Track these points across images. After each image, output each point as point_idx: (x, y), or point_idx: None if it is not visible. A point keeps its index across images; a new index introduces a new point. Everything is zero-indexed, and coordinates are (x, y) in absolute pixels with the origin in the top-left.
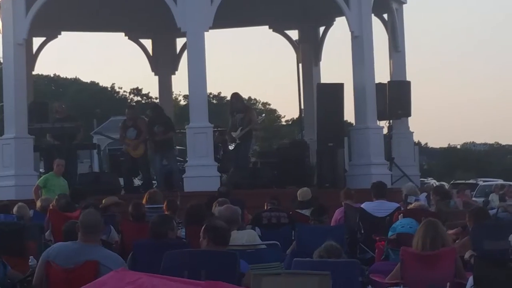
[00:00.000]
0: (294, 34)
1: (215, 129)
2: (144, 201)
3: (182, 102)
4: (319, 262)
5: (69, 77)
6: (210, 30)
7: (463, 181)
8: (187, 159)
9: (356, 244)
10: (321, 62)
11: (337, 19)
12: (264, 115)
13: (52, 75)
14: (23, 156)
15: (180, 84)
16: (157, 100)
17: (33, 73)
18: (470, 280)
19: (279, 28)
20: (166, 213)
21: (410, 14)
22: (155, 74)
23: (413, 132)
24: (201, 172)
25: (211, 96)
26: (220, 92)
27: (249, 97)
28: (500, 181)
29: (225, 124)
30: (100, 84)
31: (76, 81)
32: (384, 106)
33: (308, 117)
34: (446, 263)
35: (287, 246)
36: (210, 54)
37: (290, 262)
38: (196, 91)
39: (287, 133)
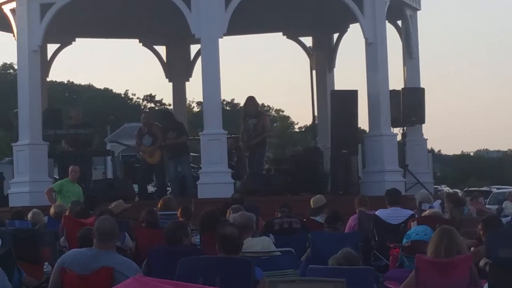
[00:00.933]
0: (308, 40)
1: (229, 135)
2: (158, 207)
3: (196, 109)
4: (334, 269)
5: (82, 83)
6: (224, 37)
7: (476, 189)
8: (201, 165)
9: (370, 251)
10: (335, 69)
11: (351, 25)
12: (276, 123)
13: (65, 82)
14: (38, 162)
15: (193, 90)
16: (171, 107)
17: (47, 79)
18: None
19: (293, 34)
20: (180, 219)
21: (424, 20)
22: (169, 81)
23: (427, 139)
24: (215, 179)
25: (225, 102)
26: (233, 98)
27: (263, 104)
28: None
29: (239, 131)
30: (114, 91)
31: (89, 88)
32: (398, 113)
33: (322, 124)
34: (461, 271)
35: (301, 253)
36: (223, 60)
37: (305, 269)
38: (210, 98)
39: (300, 140)
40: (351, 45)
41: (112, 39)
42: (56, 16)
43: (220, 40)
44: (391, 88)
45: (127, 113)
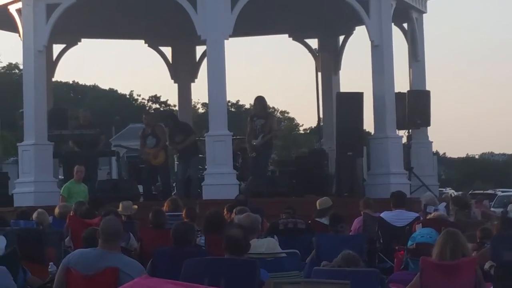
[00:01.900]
0: (313, 42)
1: (234, 137)
2: (165, 208)
3: (201, 110)
4: (339, 271)
5: (88, 84)
6: (230, 38)
7: (481, 191)
8: (206, 166)
9: (375, 254)
10: (340, 71)
11: (357, 28)
12: (284, 123)
13: (71, 82)
14: (43, 162)
15: (199, 92)
16: (176, 108)
17: (53, 79)
18: None
19: (298, 36)
20: (185, 220)
21: (430, 23)
22: (175, 82)
23: (432, 142)
24: (220, 180)
25: (230, 104)
26: (239, 100)
27: (268, 105)
28: None
29: (244, 132)
30: (119, 92)
31: (94, 88)
32: (404, 116)
33: (327, 126)
34: (466, 273)
35: (306, 255)
36: (229, 61)
37: (310, 271)
38: (216, 99)
39: (305, 142)
40: (357, 47)
41: (117, 40)
42: (62, 16)
43: (226, 41)
44: (396, 90)
45: (132, 114)
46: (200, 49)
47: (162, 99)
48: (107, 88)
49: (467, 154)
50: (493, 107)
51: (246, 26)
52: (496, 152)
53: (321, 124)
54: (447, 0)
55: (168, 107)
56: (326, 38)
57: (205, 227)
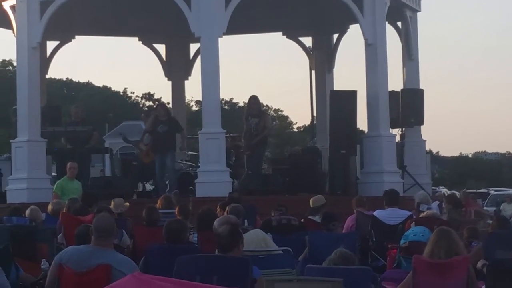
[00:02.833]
0: (307, 41)
1: (228, 134)
2: (158, 205)
3: (194, 108)
4: (331, 269)
5: (81, 81)
6: (223, 36)
7: (474, 190)
8: (199, 164)
9: (368, 252)
10: (334, 69)
11: (351, 26)
12: (275, 122)
13: (64, 79)
14: (36, 159)
15: (192, 89)
16: (170, 105)
17: (46, 76)
18: None
19: (292, 34)
20: (178, 218)
21: (424, 22)
22: (168, 79)
23: (425, 141)
24: (213, 178)
25: (223, 102)
26: (232, 98)
27: (261, 103)
28: None
29: (237, 130)
30: (113, 89)
31: (88, 85)
32: (397, 114)
33: (320, 124)
34: (458, 272)
35: (299, 252)
36: (223, 59)
37: (303, 269)
38: (209, 97)
39: (298, 140)
40: (351, 45)
41: (111, 37)
42: (55, 13)
43: (219, 39)
44: (390, 89)
45: (125, 111)
46: (194, 47)
47: (155, 97)
48: (100, 85)
49: (461, 153)
50: (487, 106)
51: (240, 24)
52: (489, 151)
53: (315, 122)
54: None
55: None
56: (320, 36)
57: (198, 224)
